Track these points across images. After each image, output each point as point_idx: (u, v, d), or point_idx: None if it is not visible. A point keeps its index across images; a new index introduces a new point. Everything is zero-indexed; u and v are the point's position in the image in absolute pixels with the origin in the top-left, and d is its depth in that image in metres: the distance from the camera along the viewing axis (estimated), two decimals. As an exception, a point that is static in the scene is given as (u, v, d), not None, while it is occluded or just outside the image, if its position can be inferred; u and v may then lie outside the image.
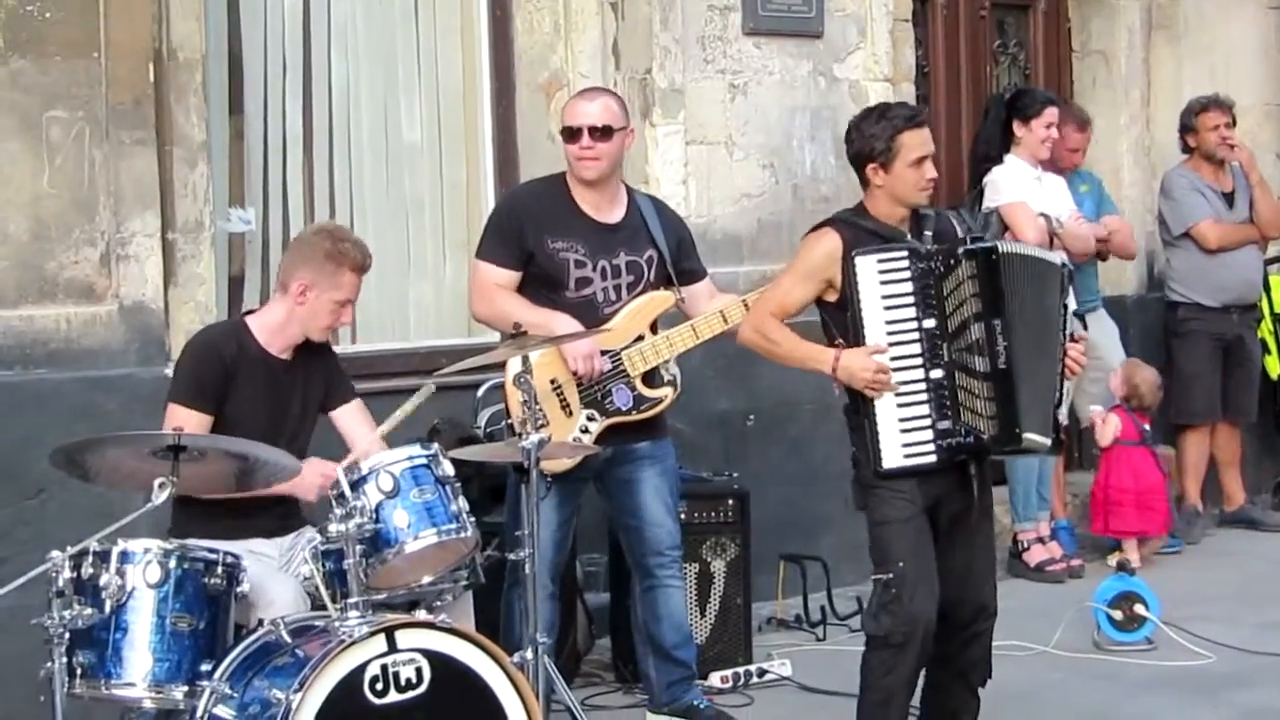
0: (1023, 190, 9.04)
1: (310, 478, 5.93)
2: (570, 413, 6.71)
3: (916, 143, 5.88)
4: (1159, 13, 11.08)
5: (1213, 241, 10.10)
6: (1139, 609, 7.92)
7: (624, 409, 6.82)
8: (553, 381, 6.66)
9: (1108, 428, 9.45)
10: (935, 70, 10.48)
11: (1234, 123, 10.23)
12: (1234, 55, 11.30)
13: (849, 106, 9.19)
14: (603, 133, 6.86)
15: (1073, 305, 6.26)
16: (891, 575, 5.82)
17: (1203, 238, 10.10)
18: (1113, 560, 9.03)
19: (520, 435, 6.04)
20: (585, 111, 6.93)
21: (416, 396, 6.10)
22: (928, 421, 5.86)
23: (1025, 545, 9.36)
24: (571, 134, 6.92)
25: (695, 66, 8.78)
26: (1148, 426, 9.49)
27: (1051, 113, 9.19)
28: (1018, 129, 9.17)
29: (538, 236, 6.85)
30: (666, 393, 6.89)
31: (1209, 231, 10.10)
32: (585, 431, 6.69)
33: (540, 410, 6.13)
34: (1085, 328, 9.34)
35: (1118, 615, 7.93)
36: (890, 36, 9.50)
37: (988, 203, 9.06)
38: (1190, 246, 10.18)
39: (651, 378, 6.87)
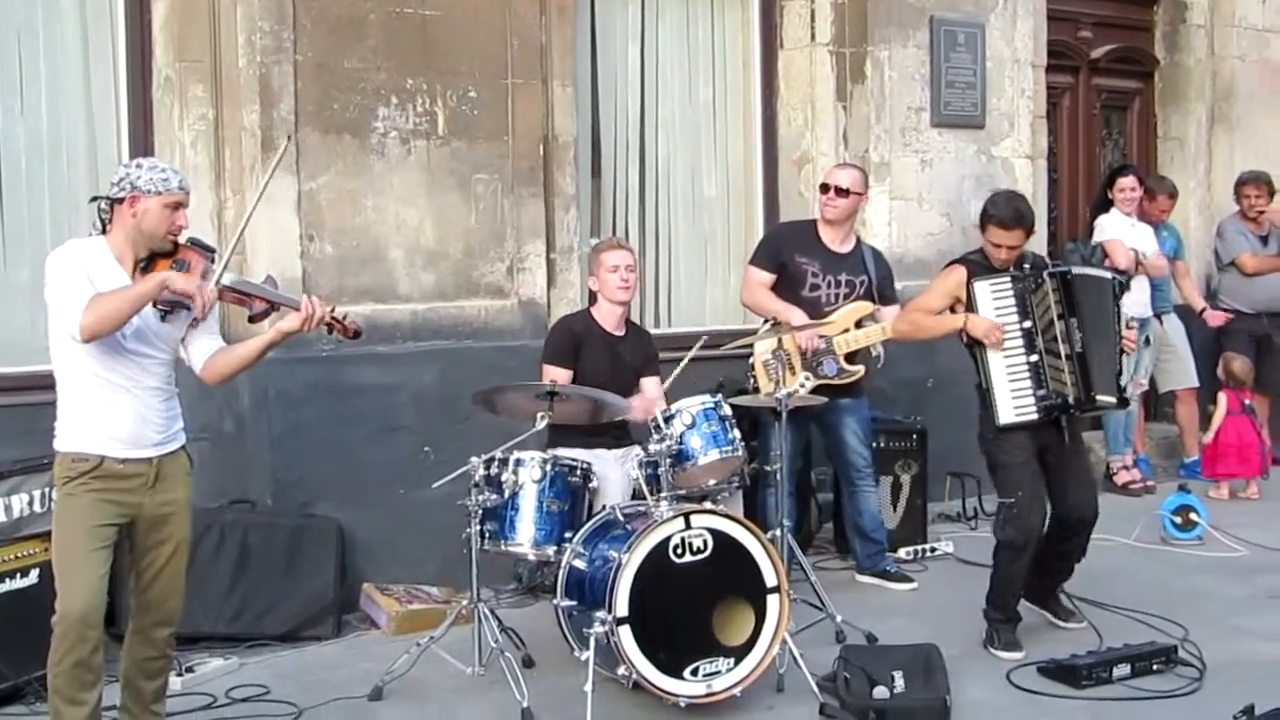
0: (1119, 232, 8.81)
1: (643, 405, 6.01)
2: (794, 372, 6.66)
3: (1000, 235, 5.78)
4: (1219, 111, 10.59)
5: (1250, 268, 9.65)
6: (1193, 516, 7.67)
7: (830, 375, 6.77)
8: (787, 352, 6.59)
9: (1219, 410, 9.02)
10: (1061, 151, 10.13)
11: (1273, 190, 9.77)
12: (1272, 142, 10.77)
13: (1000, 175, 9.01)
14: (844, 192, 6.81)
15: (1127, 309, 6.06)
16: (1013, 501, 5.73)
17: (1243, 265, 9.67)
18: (1220, 491, 8.89)
19: (775, 389, 5.97)
20: (837, 176, 6.90)
21: (688, 356, 6.26)
22: (1029, 390, 5.76)
23: (1114, 470, 9.07)
24: (825, 188, 6.88)
25: (898, 148, 8.61)
26: (1247, 400, 9.07)
27: (1128, 180, 8.93)
28: (1112, 191, 8.95)
29: (790, 254, 6.84)
30: (860, 369, 6.82)
31: (1247, 261, 9.65)
32: (802, 386, 6.62)
33: (779, 371, 6.06)
34: (1162, 325, 9.13)
35: (1178, 520, 7.67)
36: (1030, 127, 9.21)
37: (1096, 238, 8.87)
38: (1234, 272, 9.74)
39: (852, 357, 6.79)
